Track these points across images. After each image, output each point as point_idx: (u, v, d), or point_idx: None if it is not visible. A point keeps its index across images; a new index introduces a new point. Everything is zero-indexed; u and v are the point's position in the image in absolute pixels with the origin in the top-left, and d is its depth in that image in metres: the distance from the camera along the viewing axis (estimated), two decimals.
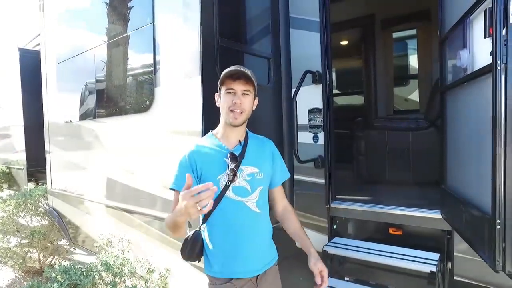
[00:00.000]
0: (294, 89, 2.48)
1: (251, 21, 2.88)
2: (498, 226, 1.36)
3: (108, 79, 3.05)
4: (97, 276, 2.25)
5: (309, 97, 2.58)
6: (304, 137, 2.61)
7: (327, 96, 2.51)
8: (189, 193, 1.03)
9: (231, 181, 1.34)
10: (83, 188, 3.57)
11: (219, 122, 1.46)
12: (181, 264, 2.40)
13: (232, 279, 1.36)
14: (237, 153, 1.38)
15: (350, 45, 5.44)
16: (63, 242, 4.46)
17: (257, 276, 1.40)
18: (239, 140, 1.43)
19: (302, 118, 2.58)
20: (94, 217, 3.43)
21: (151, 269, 2.41)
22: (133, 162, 2.83)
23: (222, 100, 1.38)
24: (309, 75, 2.55)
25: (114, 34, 2.92)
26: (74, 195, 3.73)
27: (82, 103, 3.46)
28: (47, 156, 4.17)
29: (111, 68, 3.02)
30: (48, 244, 4.20)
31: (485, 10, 1.38)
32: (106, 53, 3.03)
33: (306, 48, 2.64)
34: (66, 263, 3.43)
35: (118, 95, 2.95)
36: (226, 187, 1.34)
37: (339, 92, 6.00)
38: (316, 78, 2.56)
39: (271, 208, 1.57)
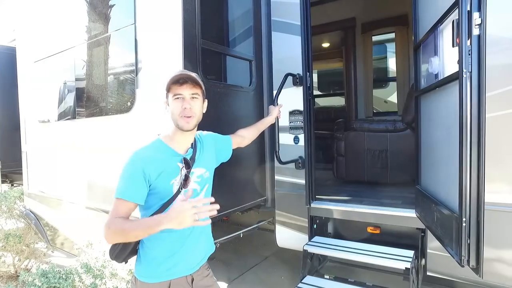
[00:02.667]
0: (276, 91, 2.52)
1: (233, 23, 2.90)
2: (464, 224, 1.45)
3: (88, 79, 3.00)
4: (77, 279, 2.22)
5: (290, 99, 2.62)
6: (285, 139, 2.66)
7: (308, 98, 2.56)
8: (189, 204, 1.10)
9: (184, 186, 1.34)
10: (61, 189, 3.49)
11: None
12: None
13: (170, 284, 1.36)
14: (188, 157, 1.38)
15: (331, 48, 5.54)
16: (40, 245, 4.33)
17: (192, 277, 1.42)
18: (192, 144, 1.42)
19: (283, 119, 2.62)
20: (74, 218, 3.36)
21: (132, 270, 2.39)
22: (113, 162, 2.79)
23: (171, 106, 1.34)
24: (290, 78, 2.60)
25: (94, 34, 2.87)
26: (52, 197, 3.64)
27: (60, 102, 3.38)
28: (24, 156, 4.04)
29: (91, 69, 2.96)
30: (24, 247, 4.07)
31: (453, 21, 1.47)
32: (87, 53, 2.98)
33: (288, 51, 2.69)
34: (43, 266, 3.34)
35: (98, 96, 2.90)
36: (179, 192, 1.34)
37: (320, 93, 6.11)
38: (297, 80, 2.61)
39: (242, 143, 1.86)
